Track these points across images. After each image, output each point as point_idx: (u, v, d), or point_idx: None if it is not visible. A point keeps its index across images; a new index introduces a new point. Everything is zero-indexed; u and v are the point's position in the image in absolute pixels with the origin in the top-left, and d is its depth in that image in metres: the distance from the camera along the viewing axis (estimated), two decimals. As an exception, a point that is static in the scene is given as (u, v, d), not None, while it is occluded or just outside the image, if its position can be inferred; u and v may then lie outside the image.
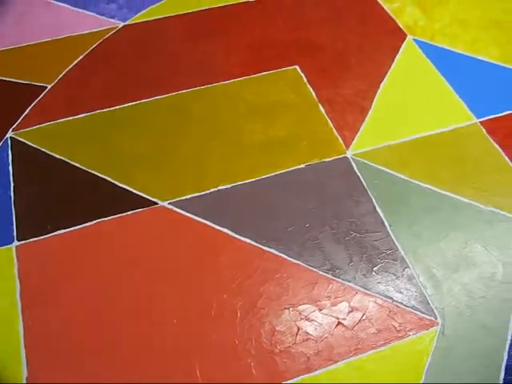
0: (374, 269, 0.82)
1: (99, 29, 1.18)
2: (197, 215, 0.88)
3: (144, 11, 1.22)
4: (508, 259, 0.83)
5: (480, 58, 1.13)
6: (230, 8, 1.22)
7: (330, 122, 1.02)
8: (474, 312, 0.78)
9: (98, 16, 1.21)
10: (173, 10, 1.22)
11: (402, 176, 0.93)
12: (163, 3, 1.24)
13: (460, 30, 1.18)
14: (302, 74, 1.10)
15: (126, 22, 1.20)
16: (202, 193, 0.91)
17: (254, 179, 0.93)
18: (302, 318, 0.77)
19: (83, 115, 1.02)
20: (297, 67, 1.12)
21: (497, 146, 0.97)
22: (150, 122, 1.00)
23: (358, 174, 0.93)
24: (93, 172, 0.93)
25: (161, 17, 1.20)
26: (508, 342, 0.75)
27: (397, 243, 0.84)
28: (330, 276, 0.82)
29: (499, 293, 0.80)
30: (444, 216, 0.87)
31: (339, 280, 0.81)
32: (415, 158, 0.95)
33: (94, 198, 0.90)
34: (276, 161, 0.95)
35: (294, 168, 0.95)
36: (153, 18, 1.21)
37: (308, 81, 1.09)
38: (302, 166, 0.96)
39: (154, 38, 1.15)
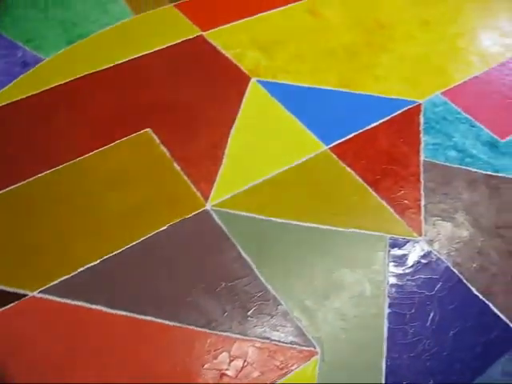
0: (249, 313, 0.93)
1: None
2: (69, 298, 0.95)
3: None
4: (373, 275, 0.97)
5: (321, 87, 1.30)
6: (77, 82, 1.33)
7: (186, 178, 1.13)
8: (349, 333, 0.90)
9: None
10: (19, 94, 1.30)
11: (263, 217, 1.05)
12: (8, 88, 1.32)
13: (300, 64, 1.35)
14: (155, 136, 1.22)
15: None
16: (71, 274, 0.99)
17: (119, 250, 1.02)
18: (185, 378, 0.85)
19: None
20: (148, 130, 1.23)
21: (348, 169, 1.12)
22: (5, 212, 1.07)
23: (220, 224, 1.05)
24: None
25: (8, 102, 1.28)
26: (384, 353, 0.88)
27: (266, 284, 0.96)
28: (207, 330, 0.91)
29: (369, 309, 0.93)
30: (308, 247, 1.00)
31: (216, 332, 0.91)
32: (274, 196, 1.08)
33: None
34: (138, 227, 1.04)
35: (157, 231, 1.05)
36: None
37: (161, 141, 1.20)
38: (165, 227, 1.06)
39: (5, 123, 1.23)
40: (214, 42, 1.42)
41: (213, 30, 1.46)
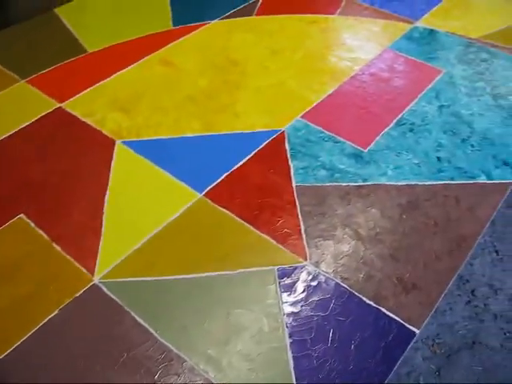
0: (156, 377, 0.94)
1: None
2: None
3: None
4: (268, 309, 1.00)
5: (185, 135, 1.34)
6: None
7: (68, 256, 1.13)
8: (256, 372, 0.93)
9: None
10: None
11: (152, 278, 1.07)
12: None
13: (161, 116, 1.39)
14: (29, 221, 1.21)
15: None
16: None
17: (13, 347, 1.00)
18: None
19: None
20: (22, 215, 1.22)
21: (226, 211, 1.16)
22: None
23: (111, 295, 1.05)
24: None
25: None
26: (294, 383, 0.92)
27: (167, 344, 0.97)
28: (116, 408, 0.91)
29: (271, 343, 0.96)
30: (201, 298, 1.02)
31: (126, 408, 0.91)
32: (159, 254, 1.10)
33: None
34: (30, 319, 1.03)
35: (49, 317, 1.04)
36: None
37: (36, 225, 1.19)
38: (56, 311, 1.05)
39: None
40: (74, 112, 1.43)
41: (70, 100, 1.48)
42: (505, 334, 1.94)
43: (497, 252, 2.22)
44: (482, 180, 1.23)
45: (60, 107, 1.45)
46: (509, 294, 2.08)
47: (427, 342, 1.89)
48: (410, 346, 0.97)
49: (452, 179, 1.23)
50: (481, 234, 1.13)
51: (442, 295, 1.03)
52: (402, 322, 0.98)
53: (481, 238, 1.19)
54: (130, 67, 1.57)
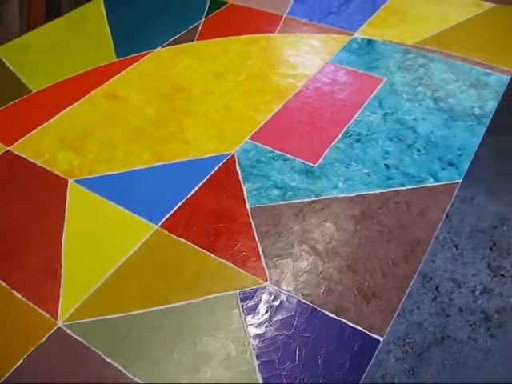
0: (129, 417, 0.95)
1: None
2: None
3: None
4: (234, 334, 1.02)
5: (137, 168, 1.36)
6: None
7: (29, 303, 1.13)
8: (227, 398, 0.95)
9: None
10: None
11: (116, 315, 1.08)
12: None
13: (112, 151, 1.41)
14: (-16, 269, 1.20)
15: None
16: None
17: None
18: None
19: None
20: (-24, 266, 1.22)
21: (183, 240, 1.18)
22: None
23: (77, 337, 1.06)
24: None
25: None
26: (264, 406, 0.94)
27: (139, 380, 0.99)
28: None
29: (240, 367, 0.98)
30: (167, 330, 1.04)
31: None
32: (121, 291, 1.11)
33: None
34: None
35: (13, 369, 1.04)
36: None
37: (-8, 273, 1.19)
38: (21, 361, 1.05)
39: None
40: (23, 154, 1.44)
41: (19, 142, 1.48)
42: (471, 325, 2.00)
43: (456, 246, 2.30)
44: (430, 183, 1.28)
45: (9, 150, 1.44)
46: (471, 287, 2.16)
47: (398, 343, 1.94)
48: (375, 354, 1.00)
49: (402, 185, 1.28)
50: (434, 236, 1.17)
51: (404, 298, 1.06)
52: (365, 331, 1.02)
53: (439, 234, 1.24)
54: (75, 104, 1.58)
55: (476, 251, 2.32)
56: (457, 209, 2.50)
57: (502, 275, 2.22)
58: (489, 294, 2.15)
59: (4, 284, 1.15)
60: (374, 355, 0.98)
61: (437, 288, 2.28)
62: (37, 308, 1.10)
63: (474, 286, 2.20)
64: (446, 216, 1.24)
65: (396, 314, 1.04)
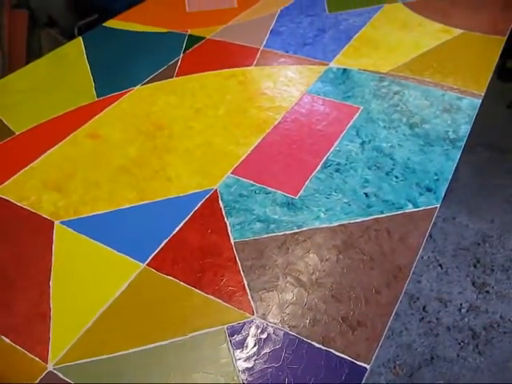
0: None
1: None
2: None
3: None
4: (223, 369, 1.04)
5: (121, 207, 1.38)
6: None
7: (19, 347, 1.14)
8: (219, 434, 0.96)
9: None
10: None
11: (106, 356, 1.09)
12: None
13: (96, 191, 1.43)
14: (-26, 316, 1.21)
15: None
16: None
17: None
18: None
19: None
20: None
21: (170, 278, 1.20)
22: None
23: (67, 380, 1.07)
24: None
25: None
26: None
27: (129, 421, 1.00)
28: None
29: (230, 402, 1.00)
30: (157, 367, 1.06)
31: None
32: (111, 331, 1.13)
33: None
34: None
35: (5, 415, 1.04)
36: None
37: (-18, 319, 1.20)
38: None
39: None
40: (8, 197, 1.45)
41: (3, 185, 1.49)
42: (459, 343, 2.03)
43: (441, 266, 2.34)
44: (410, 209, 1.32)
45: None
46: (458, 305, 2.19)
47: (388, 365, 1.97)
48: (363, 381, 1.02)
49: (381, 212, 1.31)
50: (415, 261, 1.20)
51: (388, 325, 1.09)
52: (351, 359, 1.04)
53: (424, 254, 1.27)
54: (58, 145, 1.61)
55: (460, 269, 2.36)
56: (440, 228, 2.54)
57: (487, 292, 2.26)
58: (475, 312, 2.19)
59: (-7, 329, 1.16)
60: (362, 382, 1.00)
61: (424, 308, 2.31)
62: (27, 352, 1.12)
63: (461, 304, 2.24)
64: (430, 236, 1.28)
65: (381, 341, 1.06)
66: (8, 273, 1.26)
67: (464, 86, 1.75)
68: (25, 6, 2.87)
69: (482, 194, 2.58)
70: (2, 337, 1.15)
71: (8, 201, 1.45)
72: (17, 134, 1.71)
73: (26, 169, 1.56)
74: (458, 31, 2.08)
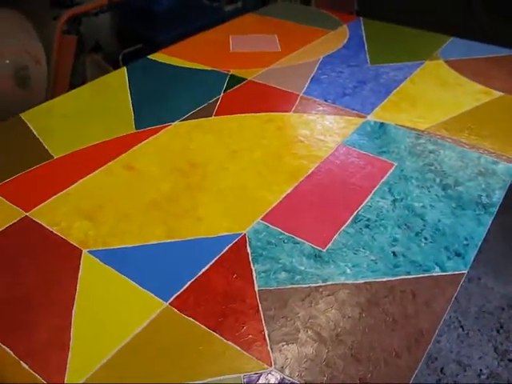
0: None
1: None
2: None
3: None
4: (236, 419, 1.04)
5: (149, 243, 1.40)
6: None
7: (36, 374, 1.15)
8: None
9: None
10: None
11: (121, 392, 1.10)
12: None
13: (126, 224, 1.46)
14: (-6, 337, 1.23)
15: None
16: None
17: None
18: None
19: None
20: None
21: (191, 319, 1.21)
22: None
23: (80, 413, 1.08)
24: None
25: None
26: None
27: None
28: None
29: None
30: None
31: None
32: (127, 368, 1.13)
33: None
34: None
35: None
36: None
37: (3, 343, 1.22)
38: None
39: None
40: (40, 221, 1.48)
41: (37, 208, 1.52)
42: (476, 411, 1.98)
43: (462, 327, 2.30)
44: (436, 272, 1.31)
45: (26, 216, 1.49)
46: (477, 370, 2.15)
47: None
48: None
49: (408, 273, 1.31)
50: (438, 326, 1.19)
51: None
52: (366, 424, 1.02)
53: (446, 314, 1.26)
54: (93, 173, 1.64)
55: (482, 333, 2.32)
56: (464, 289, 2.51)
57: (510, 360, 2.21)
58: (495, 379, 2.14)
59: (12, 353, 1.18)
60: None
61: (442, 370, 2.26)
62: (43, 381, 1.12)
63: (480, 370, 2.19)
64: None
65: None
66: (32, 296, 1.28)
67: (501, 150, 1.75)
68: (74, 31, 2.96)
69: (510, 257, 2.54)
70: (21, 362, 1.16)
71: (40, 224, 1.48)
72: (55, 157, 1.75)
73: (60, 194, 1.59)
74: (497, 93, 2.08)
